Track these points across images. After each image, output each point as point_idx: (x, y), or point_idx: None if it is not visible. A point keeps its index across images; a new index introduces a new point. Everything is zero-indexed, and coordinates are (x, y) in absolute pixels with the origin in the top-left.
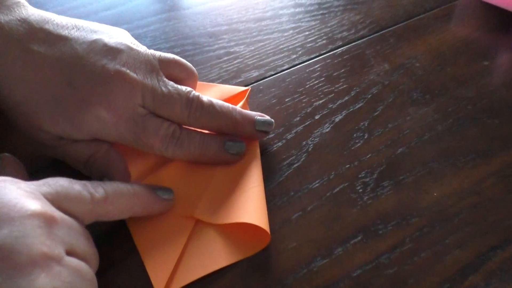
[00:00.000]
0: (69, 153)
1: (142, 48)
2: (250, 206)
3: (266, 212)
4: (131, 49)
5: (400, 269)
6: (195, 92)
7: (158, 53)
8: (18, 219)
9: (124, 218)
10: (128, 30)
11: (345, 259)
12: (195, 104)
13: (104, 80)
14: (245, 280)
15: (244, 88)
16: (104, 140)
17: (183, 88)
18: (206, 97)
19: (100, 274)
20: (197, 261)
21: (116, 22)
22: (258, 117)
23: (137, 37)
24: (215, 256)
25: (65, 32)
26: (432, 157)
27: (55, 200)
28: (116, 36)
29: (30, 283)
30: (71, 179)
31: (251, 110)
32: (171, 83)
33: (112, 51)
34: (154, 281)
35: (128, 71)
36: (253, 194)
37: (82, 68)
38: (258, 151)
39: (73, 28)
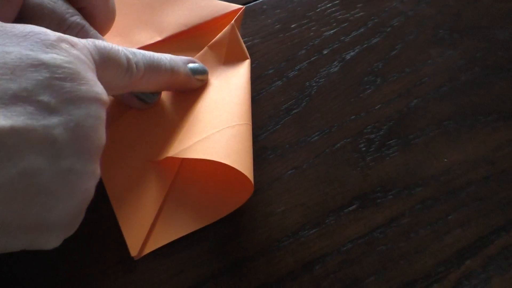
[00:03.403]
0: None
1: None
2: (233, 147)
3: (251, 156)
4: None
5: (394, 246)
6: None
7: None
8: (88, 100)
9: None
10: None
11: (336, 230)
12: None
13: None
14: (224, 247)
15: (237, 7)
16: None
17: None
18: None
19: None
20: (173, 221)
21: None
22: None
23: None
24: (193, 216)
25: None
26: (449, 114)
27: (99, 66)
28: None
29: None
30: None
31: (248, 36)
32: None
33: None
34: (129, 244)
35: None
36: (238, 133)
37: None
38: (249, 85)
39: None
